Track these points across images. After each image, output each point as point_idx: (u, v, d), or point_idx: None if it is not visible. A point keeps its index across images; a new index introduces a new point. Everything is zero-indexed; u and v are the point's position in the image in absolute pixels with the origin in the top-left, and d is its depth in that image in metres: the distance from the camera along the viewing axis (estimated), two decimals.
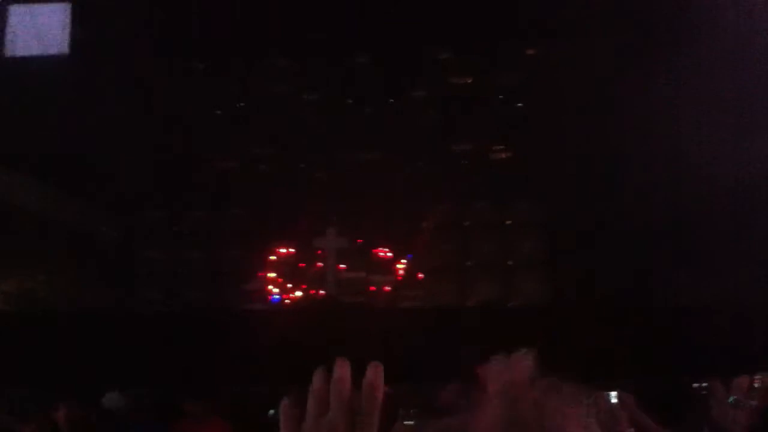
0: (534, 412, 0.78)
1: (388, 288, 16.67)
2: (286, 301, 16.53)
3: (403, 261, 16.92)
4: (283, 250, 16.86)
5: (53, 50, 15.15)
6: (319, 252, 16.57)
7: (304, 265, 16.88)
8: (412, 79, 17.00)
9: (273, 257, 16.85)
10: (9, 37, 15.25)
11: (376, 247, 16.89)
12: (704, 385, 7.14)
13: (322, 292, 16.37)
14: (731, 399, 6.48)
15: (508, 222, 16.77)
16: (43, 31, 14.92)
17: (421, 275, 16.83)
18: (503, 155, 16.85)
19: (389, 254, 16.95)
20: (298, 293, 16.69)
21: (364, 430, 0.87)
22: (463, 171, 16.71)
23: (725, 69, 13.01)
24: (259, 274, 16.72)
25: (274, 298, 16.53)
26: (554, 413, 0.79)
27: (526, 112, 16.38)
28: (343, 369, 0.90)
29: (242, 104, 17.44)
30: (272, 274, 16.78)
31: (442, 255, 16.60)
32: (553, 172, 14.91)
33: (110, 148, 15.07)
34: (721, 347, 9.88)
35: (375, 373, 0.90)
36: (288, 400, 0.90)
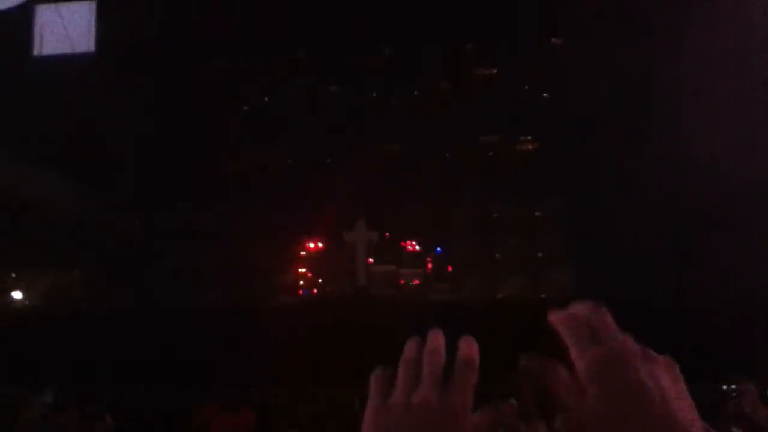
0: (642, 382, 0.60)
1: (417, 281, 16.52)
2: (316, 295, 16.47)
3: (432, 254, 16.77)
4: (312, 245, 16.79)
5: (80, 48, 15.21)
6: (349, 246, 16.45)
7: (333, 258, 16.80)
8: (439, 72, 16.84)
9: (303, 252, 16.79)
10: (36, 34, 15.35)
11: (405, 240, 16.74)
12: (733, 387, 6.91)
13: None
14: None
15: (537, 214, 16.50)
16: (69, 28, 14.98)
17: (450, 268, 16.68)
18: (531, 147, 16.59)
19: (418, 247, 16.81)
20: (328, 287, 16.62)
21: (457, 407, 0.77)
22: (491, 163, 16.50)
23: (725, 70, 12.77)
24: (290, 269, 16.69)
25: (304, 292, 16.48)
26: (668, 390, 0.61)
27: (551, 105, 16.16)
28: (437, 339, 0.82)
29: (266, 99, 17.40)
30: (302, 269, 16.73)
31: (471, 247, 16.41)
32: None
33: (136, 146, 15.17)
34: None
35: (469, 347, 0.80)
36: (379, 370, 0.82)
